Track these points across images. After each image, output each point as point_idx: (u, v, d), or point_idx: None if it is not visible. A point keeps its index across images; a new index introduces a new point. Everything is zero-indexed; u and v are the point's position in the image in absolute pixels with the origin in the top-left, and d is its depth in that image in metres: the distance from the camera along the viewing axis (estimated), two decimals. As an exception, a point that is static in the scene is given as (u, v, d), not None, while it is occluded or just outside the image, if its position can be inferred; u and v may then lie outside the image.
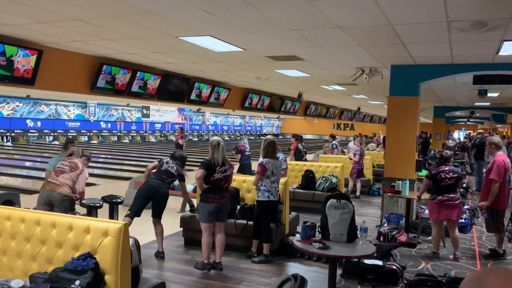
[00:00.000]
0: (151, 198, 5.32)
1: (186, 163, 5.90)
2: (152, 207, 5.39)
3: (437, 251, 5.84)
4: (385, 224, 6.73)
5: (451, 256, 5.81)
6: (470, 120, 27.17)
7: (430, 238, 6.73)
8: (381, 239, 6.14)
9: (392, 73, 7.67)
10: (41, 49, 6.53)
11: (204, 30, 5.47)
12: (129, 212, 5.19)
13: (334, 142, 13.13)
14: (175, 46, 6.58)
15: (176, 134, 12.80)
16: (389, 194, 6.75)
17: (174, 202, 8.27)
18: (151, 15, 4.75)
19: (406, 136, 7.52)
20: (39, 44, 6.58)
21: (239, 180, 6.24)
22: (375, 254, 4.36)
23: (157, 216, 5.43)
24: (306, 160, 11.39)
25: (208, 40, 6.01)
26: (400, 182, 6.52)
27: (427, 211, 7.48)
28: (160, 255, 5.44)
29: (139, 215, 5.25)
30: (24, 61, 6.35)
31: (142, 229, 5.60)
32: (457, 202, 5.71)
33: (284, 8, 4.36)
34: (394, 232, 6.19)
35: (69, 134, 28.09)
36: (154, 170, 5.61)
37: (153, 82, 9.05)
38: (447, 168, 5.72)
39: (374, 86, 10.65)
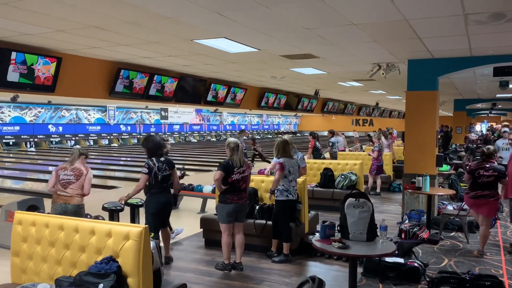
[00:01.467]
0: (162, 212, 5.28)
1: (204, 165, 5.90)
2: (158, 220, 5.28)
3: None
4: (406, 221, 6.65)
5: (475, 252, 5.72)
6: (492, 112, 26.55)
7: (452, 234, 6.64)
8: (402, 236, 6.07)
9: (410, 68, 7.57)
10: (60, 57, 6.69)
11: (218, 32, 5.50)
12: (152, 234, 5.14)
13: (331, 140, 12.27)
14: (190, 49, 6.64)
15: (244, 136, 11.35)
16: (410, 190, 6.67)
17: (193, 203, 8.36)
18: (166, 20, 4.82)
19: (426, 131, 7.41)
20: (58, 51, 6.74)
21: (257, 180, 6.26)
22: (396, 252, 4.32)
23: (164, 226, 5.41)
24: (324, 158, 11.33)
25: (223, 42, 6.05)
26: (421, 178, 6.43)
27: (449, 207, 7.39)
28: (168, 261, 5.35)
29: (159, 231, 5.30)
30: (44, 69, 6.50)
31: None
32: (492, 199, 5.62)
33: (297, 8, 4.36)
34: (415, 229, 6.11)
35: (90, 138, 28.60)
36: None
37: (170, 85, 9.15)
38: (487, 165, 5.64)
39: (391, 81, 10.52)
